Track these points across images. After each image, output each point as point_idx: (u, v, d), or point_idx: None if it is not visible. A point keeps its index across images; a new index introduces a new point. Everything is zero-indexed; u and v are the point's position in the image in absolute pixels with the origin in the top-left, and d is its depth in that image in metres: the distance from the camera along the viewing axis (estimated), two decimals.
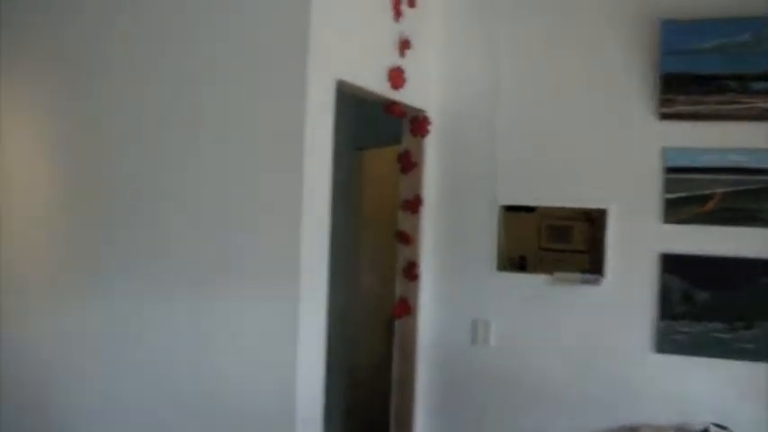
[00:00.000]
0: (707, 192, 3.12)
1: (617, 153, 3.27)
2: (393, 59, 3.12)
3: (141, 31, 2.86)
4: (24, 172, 3.15)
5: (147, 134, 2.84)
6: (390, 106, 3.19)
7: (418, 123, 3.44)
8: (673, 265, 3.17)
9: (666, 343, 3.17)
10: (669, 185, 3.17)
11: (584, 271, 3.34)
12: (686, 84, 3.13)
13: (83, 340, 2.99)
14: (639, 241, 3.23)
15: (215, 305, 2.68)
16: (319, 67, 2.56)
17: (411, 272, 3.47)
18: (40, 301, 3.10)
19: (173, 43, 2.79)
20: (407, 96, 3.23)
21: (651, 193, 3.21)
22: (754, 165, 3.07)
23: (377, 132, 4.13)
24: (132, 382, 2.87)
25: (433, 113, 3.50)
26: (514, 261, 3.46)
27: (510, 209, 3.43)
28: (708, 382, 3.13)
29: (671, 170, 3.18)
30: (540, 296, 3.37)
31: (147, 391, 2.84)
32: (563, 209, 3.38)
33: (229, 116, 2.65)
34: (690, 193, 3.15)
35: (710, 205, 3.12)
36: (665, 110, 3.16)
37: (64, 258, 3.05)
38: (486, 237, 3.45)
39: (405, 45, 3.17)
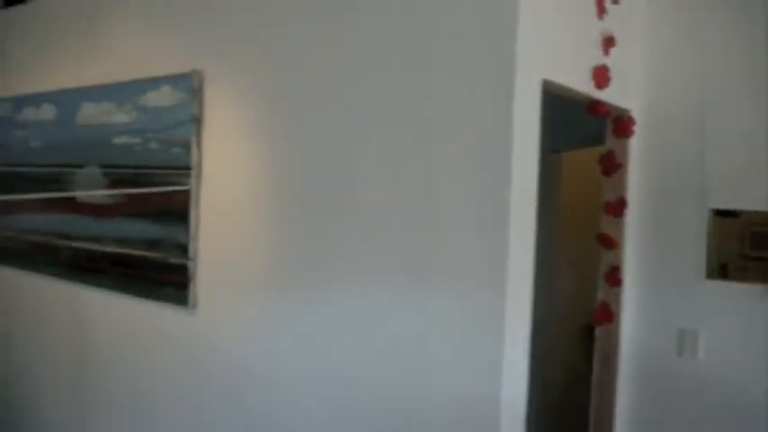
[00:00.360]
0: None
1: None
2: (597, 57, 3.01)
3: (345, 38, 2.92)
4: (229, 169, 3.33)
5: (352, 134, 2.89)
6: (594, 106, 3.08)
7: (622, 123, 3.30)
8: None
9: None
10: None
11: None
12: None
13: (281, 338, 3.11)
14: None
15: (417, 307, 2.67)
16: (526, 67, 2.50)
17: (614, 277, 3.34)
18: (237, 295, 3.27)
19: (374, 44, 2.82)
20: (611, 95, 3.11)
21: None
22: None
23: (572, 134, 4.02)
24: (326, 382, 2.95)
25: (637, 113, 3.35)
26: (718, 269, 3.25)
27: (715, 213, 3.23)
28: None
29: None
30: (754, 307, 3.12)
31: (341, 391, 2.90)
32: None
33: (436, 117, 2.64)
34: None
35: None
36: None
37: (267, 255, 3.18)
38: (693, 241, 3.24)
39: (609, 42, 3.06)
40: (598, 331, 3.42)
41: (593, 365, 3.47)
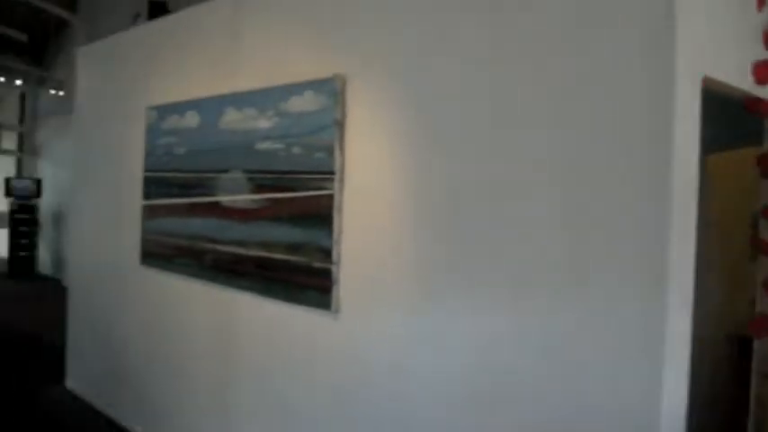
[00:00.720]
0: None
1: None
2: (757, 52, 2.85)
3: (496, 35, 2.86)
4: (372, 173, 3.33)
5: (501, 134, 2.82)
6: (755, 103, 2.91)
7: None
8: None
9: None
10: None
11: None
12: None
13: (425, 345, 3.07)
14: None
15: (568, 317, 2.58)
16: (686, 64, 2.38)
17: None
18: (380, 300, 3.26)
19: (529, 41, 2.75)
20: None
21: None
22: None
23: (721, 133, 3.81)
24: (470, 394, 2.88)
25: None
26: None
27: None
28: None
29: None
30: None
31: (483, 403, 2.83)
32: None
33: (594, 116, 2.54)
34: None
35: None
36: None
37: (411, 259, 3.15)
38: None
39: None
40: (757, 345, 3.22)
41: (744, 378, 3.28)
